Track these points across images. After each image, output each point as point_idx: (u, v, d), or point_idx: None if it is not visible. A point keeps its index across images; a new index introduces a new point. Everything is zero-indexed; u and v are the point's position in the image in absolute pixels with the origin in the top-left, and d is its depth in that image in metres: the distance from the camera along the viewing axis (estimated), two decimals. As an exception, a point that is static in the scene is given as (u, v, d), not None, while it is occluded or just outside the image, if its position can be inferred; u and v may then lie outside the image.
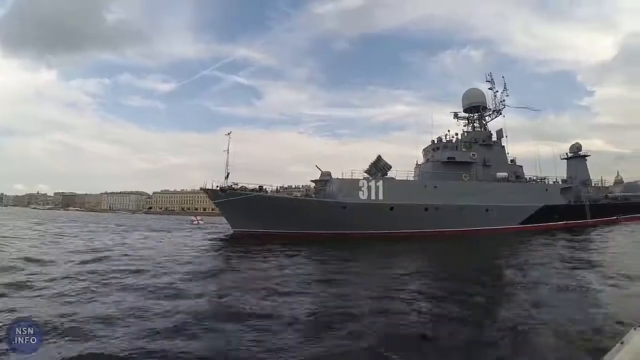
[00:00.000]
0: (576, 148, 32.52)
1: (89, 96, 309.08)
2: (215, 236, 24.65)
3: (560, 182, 29.49)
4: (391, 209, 24.00)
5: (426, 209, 24.17)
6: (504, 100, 30.07)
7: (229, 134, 27.11)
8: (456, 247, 18.93)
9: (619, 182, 40.52)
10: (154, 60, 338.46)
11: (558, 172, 31.94)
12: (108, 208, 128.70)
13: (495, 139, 28.55)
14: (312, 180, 28.43)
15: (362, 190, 24.62)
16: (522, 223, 25.74)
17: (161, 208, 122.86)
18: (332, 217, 23.45)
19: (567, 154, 33.42)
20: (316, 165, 26.87)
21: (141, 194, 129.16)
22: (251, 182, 26.10)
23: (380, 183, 24.69)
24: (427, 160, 28.20)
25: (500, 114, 29.99)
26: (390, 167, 26.34)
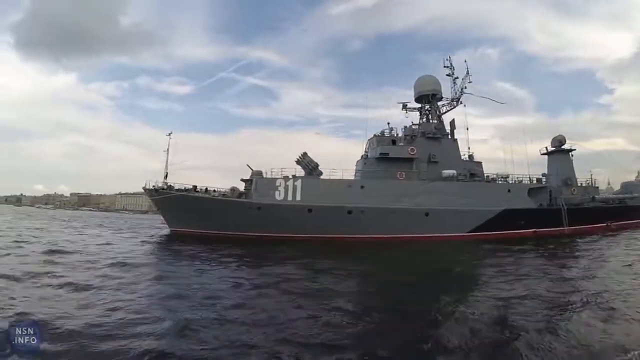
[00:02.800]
0: (558, 141, 27.08)
1: (107, 99, 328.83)
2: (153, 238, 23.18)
3: (535, 182, 24.57)
4: (309, 210, 21.02)
5: (350, 212, 20.87)
6: (465, 88, 25.83)
7: (169, 134, 26.71)
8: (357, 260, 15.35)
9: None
10: (170, 62, 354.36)
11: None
12: (122, 208, 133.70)
13: (448, 132, 24.40)
14: (241, 180, 25.94)
15: (279, 191, 22.02)
16: (474, 230, 21.51)
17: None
18: (249, 218, 21.59)
19: (546, 148, 28.06)
20: (247, 165, 24.52)
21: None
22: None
23: (298, 182, 21.96)
24: (361, 157, 24.63)
25: (460, 103, 25.79)
26: (317, 164, 23.23)
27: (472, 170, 23.39)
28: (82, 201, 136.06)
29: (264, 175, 23.49)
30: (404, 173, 22.12)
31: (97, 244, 17.52)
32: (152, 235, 24.31)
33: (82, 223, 36.24)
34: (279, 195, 21.92)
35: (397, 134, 24.22)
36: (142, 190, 26.96)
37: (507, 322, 5.84)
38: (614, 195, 26.64)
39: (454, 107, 26.08)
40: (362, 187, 21.57)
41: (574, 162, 26.67)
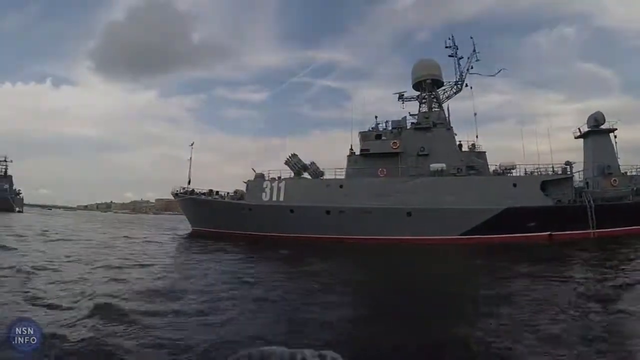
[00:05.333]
0: (594, 120, 22.11)
1: (187, 111, 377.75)
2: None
3: (559, 172, 20.89)
4: (291, 211, 22.08)
5: (328, 212, 21.17)
6: (471, 68, 23.58)
7: (191, 144, 30.98)
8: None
9: None
10: (243, 72, 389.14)
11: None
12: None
13: (442, 120, 22.60)
14: (243, 182, 28.35)
15: (265, 192, 23.64)
16: (468, 233, 19.48)
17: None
18: (243, 218, 23.85)
19: (579, 129, 23.12)
20: (252, 168, 26.75)
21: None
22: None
23: (282, 184, 23.19)
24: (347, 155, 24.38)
25: (466, 86, 23.69)
26: (305, 165, 23.98)
27: (470, 163, 21.19)
28: (165, 206, 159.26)
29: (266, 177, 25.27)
30: (385, 169, 21.35)
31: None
32: (174, 237, 27.73)
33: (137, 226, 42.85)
34: (265, 197, 23.45)
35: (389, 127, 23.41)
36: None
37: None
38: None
39: (458, 91, 24.03)
40: (340, 186, 21.63)
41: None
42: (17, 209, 62.97)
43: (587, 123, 22.75)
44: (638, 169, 21.52)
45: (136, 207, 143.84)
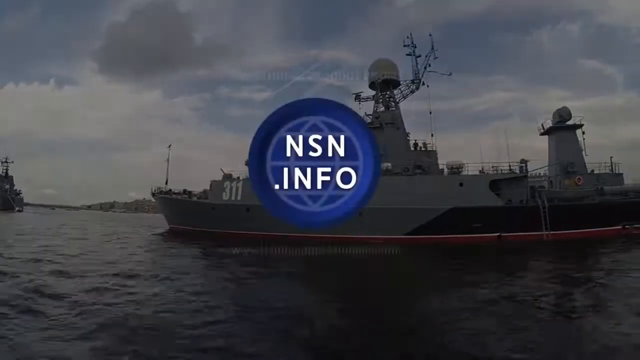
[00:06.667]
0: (559, 116, 21.64)
1: (192, 110, 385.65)
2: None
3: (517, 170, 20.63)
4: (247, 209, 22.96)
5: None
6: (429, 66, 23.69)
7: (169, 146, 32.58)
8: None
9: None
10: (247, 72, 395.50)
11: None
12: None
13: (393, 120, 22.88)
14: (211, 181, 29.40)
15: (225, 191, 24.64)
16: (413, 233, 19.49)
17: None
18: (209, 216, 25.03)
19: (542, 125, 22.70)
20: (221, 169, 27.68)
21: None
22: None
23: (240, 184, 24.17)
24: None
25: (423, 84, 23.79)
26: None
27: (418, 162, 21.28)
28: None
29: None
30: (337, 169, 21.80)
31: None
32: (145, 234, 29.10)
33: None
34: (225, 196, 24.45)
35: None
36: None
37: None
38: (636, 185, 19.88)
39: (416, 89, 24.15)
40: (292, 186, 22.24)
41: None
42: (17, 208, 66.58)
43: (552, 119, 22.37)
44: (607, 167, 21.04)
45: (138, 207, 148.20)
